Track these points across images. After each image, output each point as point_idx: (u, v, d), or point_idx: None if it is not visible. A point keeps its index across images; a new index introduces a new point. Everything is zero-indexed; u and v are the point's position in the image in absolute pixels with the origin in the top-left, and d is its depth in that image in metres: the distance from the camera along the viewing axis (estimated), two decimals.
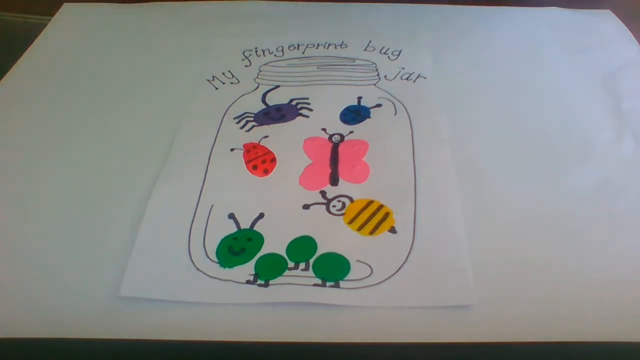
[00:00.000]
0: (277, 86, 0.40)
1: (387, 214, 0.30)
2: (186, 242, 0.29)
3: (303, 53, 0.43)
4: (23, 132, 0.36)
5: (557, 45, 0.43)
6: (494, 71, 0.41)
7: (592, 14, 0.44)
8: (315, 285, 0.27)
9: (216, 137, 0.35)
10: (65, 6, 0.48)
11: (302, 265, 0.28)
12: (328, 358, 0.25)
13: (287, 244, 0.29)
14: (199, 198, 0.31)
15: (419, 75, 0.40)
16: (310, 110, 0.37)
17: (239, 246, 0.29)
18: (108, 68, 0.42)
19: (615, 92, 0.38)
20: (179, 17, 0.47)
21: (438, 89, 0.39)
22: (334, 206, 0.31)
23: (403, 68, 0.41)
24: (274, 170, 0.33)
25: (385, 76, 0.40)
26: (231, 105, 0.38)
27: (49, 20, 0.46)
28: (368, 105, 0.38)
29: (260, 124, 0.36)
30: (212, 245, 0.29)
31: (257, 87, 0.40)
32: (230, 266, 0.28)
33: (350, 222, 0.30)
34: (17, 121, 0.37)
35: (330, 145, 0.35)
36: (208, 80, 0.40)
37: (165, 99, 0.38)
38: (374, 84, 0.40)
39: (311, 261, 0.28)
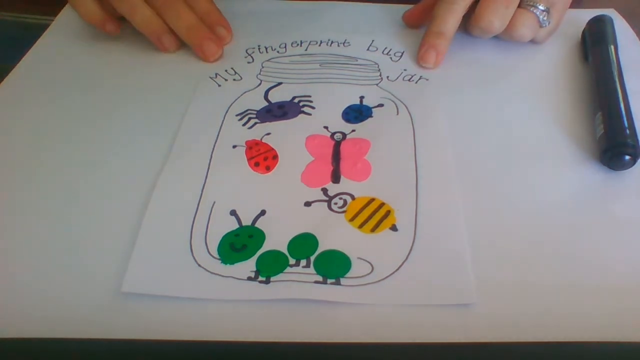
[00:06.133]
0: (280, 83, 0.40)
1: (388, 212, 0.30)
2: (188, 239, 0.29)
3: (306, 50, 0.43)
4: (25, 132, 0.36)
5: (560, 44, 0.43)
6: (496, 71, 0.41)
7: (596, 13, 0.44)
8: (316, 282, 0.27)
9: (218, 133, 0.35)
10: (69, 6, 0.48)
11: (303, 262, 0.28)
12: (328, 358, 0.25)
13: (288, 241, 0.29)
14: (201, 195, 0.31)
15: (420, 77, 0.40)
16: (313, 108, 0.37)
17: (240, 243, 0.29)
18: (111, 65, 0.42)
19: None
20: None
21: (440, 90, 0.39)
22: (335, 203, 0.31)
23: (405, 69, 0.41)
24: (275, 167, 0.33)
25: (387, 77, 0.40)
26: (234, 102, 0.38)
27: (49, 20, 0.46)
28: (370, 105, 0.38)
29: (263, 121, 0.36)
30: (214, 242, 0.29)
31: (260, 83, 0.40)
32: (232, 263, 0.28)
33: (351, 220, 0.30)
34: (19, 120, 0.37)
35: (332, 143, 0.35)
36: (211, 77, 0.40)
37: (168, 96, 0.38)
38: (376, 84, 0.40)
39: (312, 258, 0.28)
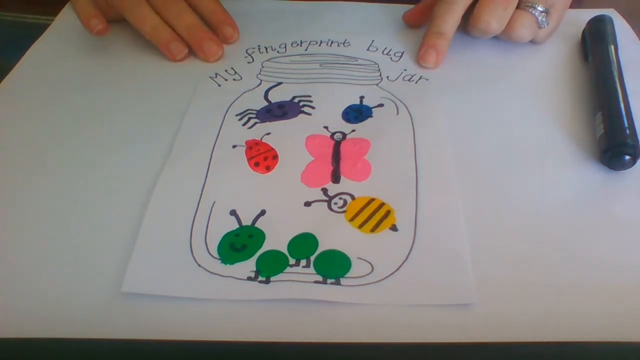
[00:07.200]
0: (280, 83, 0.40)
1: (388, 212, 0.30)
2: (188, 239, 0.29)
3: (306, 50, 0.43)
4: (24, 131, 0.36)
5: (560, 44, 0.43)
6: (496, 71, 0.41)
7: (596, 13, 0.44)
8: (316, 282, 0.27)
9: (218, 133, 0.35)
10: (70, 6, 0.48)
11: (303, 262, 0.28)
12: (328, 358, 0.25)
13: (288, 241, 0.29)
14: (201, 195, 0.31)
15: (420, 77, 0.40)
16: (313, 108, 0.37)
17: (240, 243, 0.29)
18: (111, 65, 0.42)
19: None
20: None
21: (440, 90, 0.39)
22: (335, 203, 0.31)
23: (405, 69, 0.41)
24: (275, 167, 0.33)
25: (387, 77, 0.40)
26: (234, 102, 0.38)
27: (49, 20, 0.46)
28: (370, 105, 0.38)
29: (263, 121, 0.36)
30: (214, 242, 0.29)
31: (260, 83, 0.40)
32: (232, 262, 0.28)
33: (351, 220, 0.30)
34: (19, 120, 0.37)
35: (332, 143, 0.35)
36: (211, 77, 0.40)
37: (168, 96, 0.38)
38: (376, 84, 0.40)
39: (312, 258, 0.28)
